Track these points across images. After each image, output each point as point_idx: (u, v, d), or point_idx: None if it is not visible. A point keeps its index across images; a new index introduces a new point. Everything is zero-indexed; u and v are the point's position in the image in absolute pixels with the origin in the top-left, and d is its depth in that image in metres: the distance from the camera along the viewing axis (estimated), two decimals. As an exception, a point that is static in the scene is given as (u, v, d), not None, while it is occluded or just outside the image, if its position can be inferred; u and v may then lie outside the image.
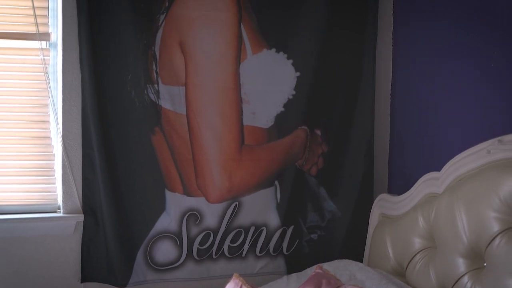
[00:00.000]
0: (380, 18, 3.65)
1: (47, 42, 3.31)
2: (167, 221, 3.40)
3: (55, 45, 3.31)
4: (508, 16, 2.76)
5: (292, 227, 3.60)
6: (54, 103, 3.28)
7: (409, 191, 3.20)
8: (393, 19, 3.61)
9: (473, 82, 2.98)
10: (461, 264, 2.70)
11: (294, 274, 3.25)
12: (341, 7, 3.55)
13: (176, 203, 3.41)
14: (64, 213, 3.31)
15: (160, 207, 3.40)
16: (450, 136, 3.15)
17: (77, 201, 3.31)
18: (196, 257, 3.47)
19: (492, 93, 2.87)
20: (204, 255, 3.48)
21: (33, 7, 3.21)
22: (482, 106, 2.94)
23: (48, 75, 3.30)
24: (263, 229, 3.56)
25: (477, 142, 2.77)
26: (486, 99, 2.91)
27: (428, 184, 3.07)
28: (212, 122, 3.41)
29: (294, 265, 3.57)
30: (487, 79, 2.89)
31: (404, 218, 3.16)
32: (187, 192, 3.43)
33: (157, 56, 3.32)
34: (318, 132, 3.60)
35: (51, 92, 3.28)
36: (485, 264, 2.62)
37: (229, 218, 3.48)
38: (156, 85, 3.33)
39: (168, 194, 3.41)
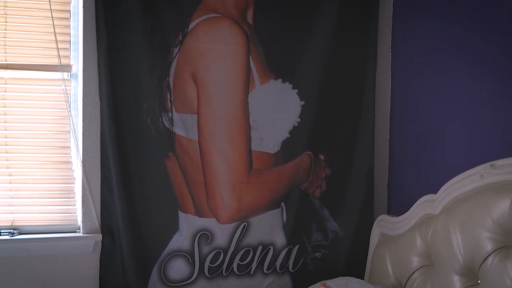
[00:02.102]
0: (380, 37, 3.69)
1: (69, 73, 3.35)
2: (180, 241, 3.41)
3: (76, 76, 3.36)
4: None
5: (297, 246, 3.61)
6: (74, 130, 3.31)
7: (407, 212, 3.20)
8: (392, 49, 3.67)
9: (470, 103, 2.99)
10: (456, 282, 2.70)
11: (299, 291, 3.26)
12: (343, 36, 3.58)
13: (188, 224, 3.42)
14: (83, 233, 3.33)
15: (173, 227, 3.41)
16: (445, 160, 3.16)
17: (96, 222, 3.34)
18: (207, 274, 3.48)
19: (486, 120, 2.89)
20: (215, 273, 3.49)
21: (56, 41, 3.26)
22: (476, 132, 2.95)
23: (69, 104, 3.34)
24: (270, 248, 3.56)
25: (471, 166, 2.77)
26: (479, 126, 2.93)
27: (425, 206, 3.06)
28: (222, 148, 3.43)
29: (299, 282, 3.57)
30: (481, 105, 2.91)
31: (403, 237, 3.16)
32: (199, 213, 3.44)
33: (171, 86, 3.35)
34: (322, 157, 3.62)
35: (72, 120, 3.32)
36: (479, 281, 2.61)
37: (238, 238, 3.50)
38: (170, 113, 3.36)
39: (181, 215, 3.42)
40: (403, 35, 3.58)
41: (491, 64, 2.84)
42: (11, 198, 3.28)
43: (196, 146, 3.40)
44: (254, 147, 3.49)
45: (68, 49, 3.34)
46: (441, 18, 3.21)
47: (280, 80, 3.51)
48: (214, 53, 3.40)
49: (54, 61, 3.29)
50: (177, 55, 3.36)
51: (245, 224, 3.50)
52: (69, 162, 3.37)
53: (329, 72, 3.57)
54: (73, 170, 3.37)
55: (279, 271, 3.60)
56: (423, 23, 3.36)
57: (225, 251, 3.49)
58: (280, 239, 3.57)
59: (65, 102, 3.32)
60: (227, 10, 3.42)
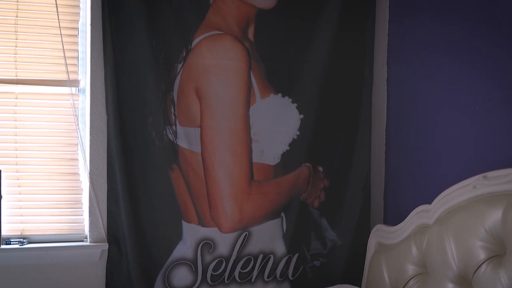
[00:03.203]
0: (376, 48, 3.70)
1: (77, 88, 3.37)
2: (183, 249, 3.42)
3: (84, 91, 3.37)
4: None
5: (297, 254, 3.60)
6: (82, 143, 3.33)
7: (403, 222, 3.19)
8: (387, 54, 3.68)
9: (463, 117, 3.00)
10: (451, 289, 2.72)
11: (299, 298, 3.26)
12: (343, 41, 3.59)
13: (191, 233, 3.43)
14: (90, 242, 3.34)
15: (177, 237, 3.42)
16: (439, 172, 3.17)
17: (102, 231, 3.34)
18: (209, 282, 3.48)
19: (479, 133, 2.90)
20: (217, 280, 3.49)
21: (64, 57, 3.28)
22: (468, 144, 2.96)
23: (77, 118, 3.35)
24: (270, 257, 3.57)
25: (464, 177, 2.78)
26: (471, 139, 2.94)
27: (420, 216, 3.06)
28: (224, 160, 3.44)
29: (299, 289, 3.60)
30: (475, 115, 2.91)
31: (399, 246, 3.16)
32: (202, 223, 3.44)
33: (175, 101, 3.37)
34: (320, 169, 3.62)
35: (79, 133, 3.33)
36: (472, 289, 2.64)
37: (240, 247, 3.50)
38: (174, 127, 3.38)
39: (185, 225, 3.43)
40: (401, 36, 3.56)
41: (490, 69, 2.83)
42: (21, 208, 3.29)
43: (199, 158, 3.42)
44: (255, 159, 3.50)
45: (76, 65, 3.36)
46: (438, 20, 3.20)
47: (280, 94, 3.53)
48: (217, 69, 3.41)
49: (63, 77, 3.31)
50: (181, 70, 3.38)
51: (246, 234, 3.51)
52: (77, 174, 3.38)
53: (328, 72, 3.56)
54: (81, 181, 3.38)
55: (279, 279, 3.60)
56: (418, 27, 3.37)
57: (227, 259, 3.50)
58: (280, 248, 3.58)
59: (73, 116, 3.33)
60: (229, 27, 3.44)
